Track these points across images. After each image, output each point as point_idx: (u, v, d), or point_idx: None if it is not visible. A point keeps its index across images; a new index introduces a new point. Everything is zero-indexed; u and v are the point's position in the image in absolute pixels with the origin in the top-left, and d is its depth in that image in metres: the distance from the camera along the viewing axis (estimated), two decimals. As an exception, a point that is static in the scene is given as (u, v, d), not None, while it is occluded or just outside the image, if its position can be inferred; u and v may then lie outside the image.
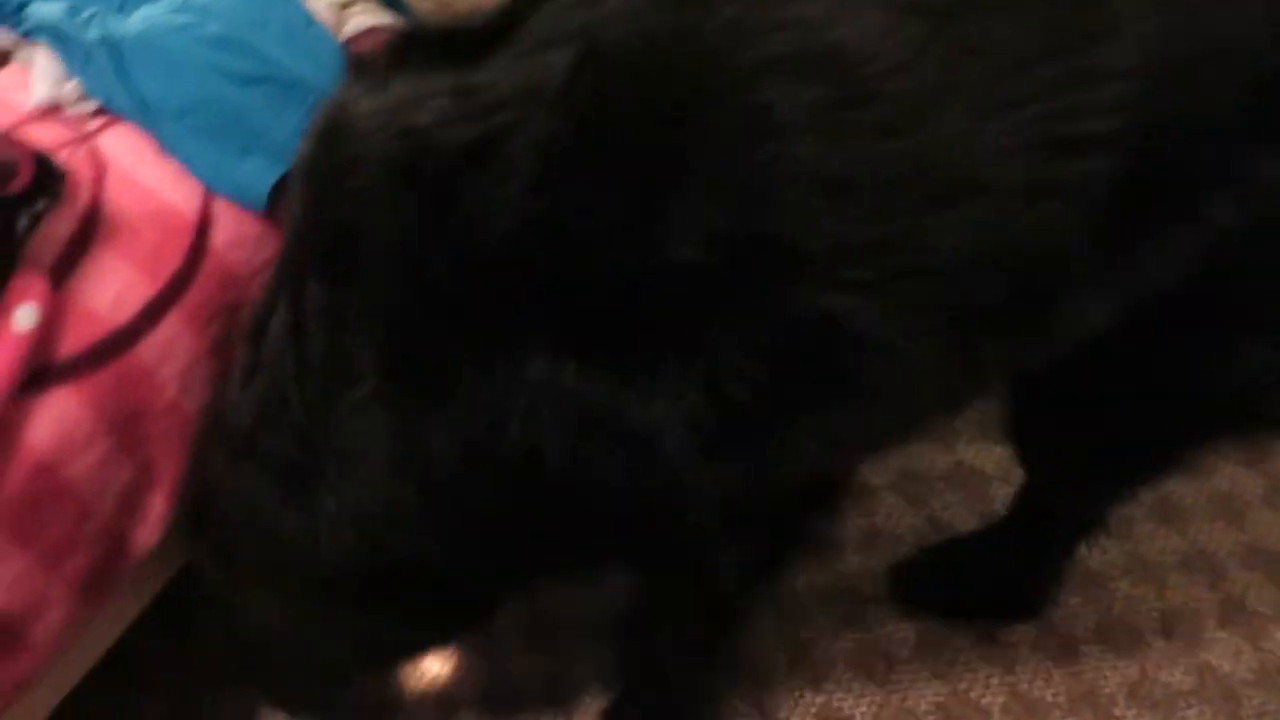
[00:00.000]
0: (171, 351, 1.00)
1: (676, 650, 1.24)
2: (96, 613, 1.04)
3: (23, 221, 0.92)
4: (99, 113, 1.07)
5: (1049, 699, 1.35)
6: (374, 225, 0.81)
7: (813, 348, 0.82)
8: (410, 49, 0.86)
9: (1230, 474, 1.61)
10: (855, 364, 0.84)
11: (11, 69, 1.13)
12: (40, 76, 1.07)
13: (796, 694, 1.35)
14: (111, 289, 0.97)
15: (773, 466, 0.92)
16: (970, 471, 1.57)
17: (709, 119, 0.78)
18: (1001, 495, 1.47)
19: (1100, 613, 1.43)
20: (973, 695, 1.36)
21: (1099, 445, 1.14)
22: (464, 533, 0.94)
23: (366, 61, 0.89)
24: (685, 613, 1.19)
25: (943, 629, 1.40)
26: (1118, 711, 1.35)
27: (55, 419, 0.93)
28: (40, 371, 0.92)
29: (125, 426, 0.98)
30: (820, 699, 1.34)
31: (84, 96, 1.07)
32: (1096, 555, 1.45)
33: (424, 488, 0.89)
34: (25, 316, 0.90)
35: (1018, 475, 1.36)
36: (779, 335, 0.81)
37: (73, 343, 0.94)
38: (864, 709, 1.34)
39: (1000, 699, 1.35)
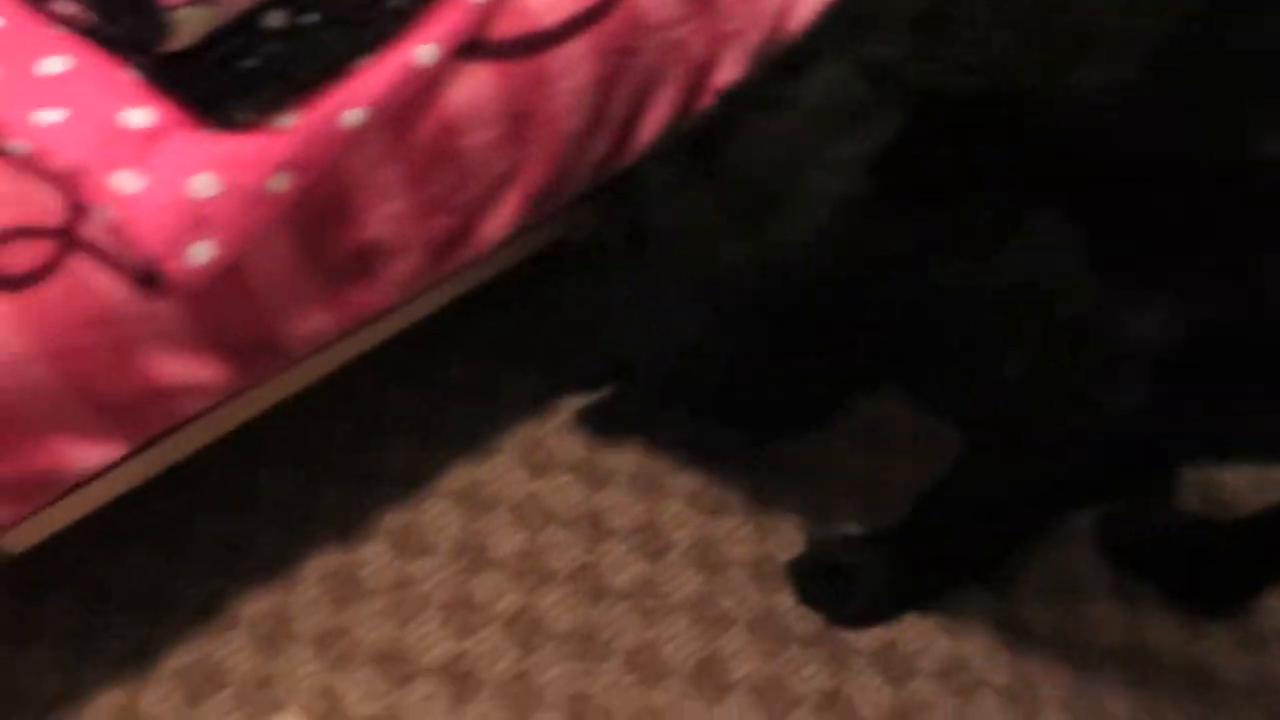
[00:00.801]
0: (573, 69, 1.09)
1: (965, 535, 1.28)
2: (434, 279, 1.15)
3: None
4: None
5: (1229, 679, 1.36)
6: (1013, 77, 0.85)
7: None
8: None
9: None
10: None
11: None
12: None
13: (925, 639, 1.38)
14: (546, -5, 1.07)
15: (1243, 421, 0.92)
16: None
17: None
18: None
19: (1296, 613, 1.42)
20: (1153, 652, 1.37)
21: None
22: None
23: None
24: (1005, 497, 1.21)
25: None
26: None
27: (470, 91, 1.04)
28: (474, 44, 1.03)
29: (517, 121, 1.08)
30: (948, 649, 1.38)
31: None
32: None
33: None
34: (483, -12, 1.00)
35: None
36: None
37: (504, 28, 1.05)
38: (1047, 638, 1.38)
39: (1181, 663, 1.36)
